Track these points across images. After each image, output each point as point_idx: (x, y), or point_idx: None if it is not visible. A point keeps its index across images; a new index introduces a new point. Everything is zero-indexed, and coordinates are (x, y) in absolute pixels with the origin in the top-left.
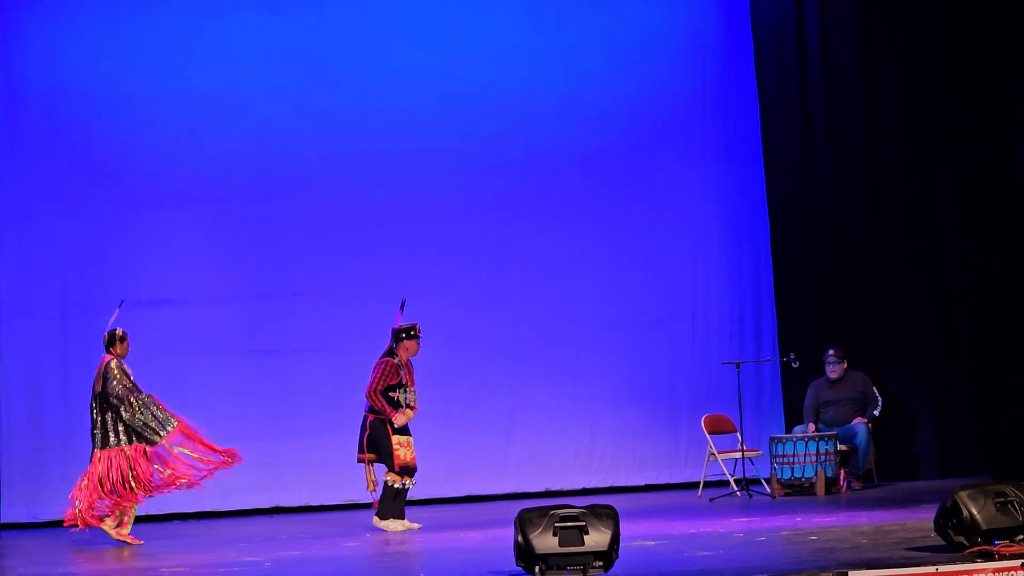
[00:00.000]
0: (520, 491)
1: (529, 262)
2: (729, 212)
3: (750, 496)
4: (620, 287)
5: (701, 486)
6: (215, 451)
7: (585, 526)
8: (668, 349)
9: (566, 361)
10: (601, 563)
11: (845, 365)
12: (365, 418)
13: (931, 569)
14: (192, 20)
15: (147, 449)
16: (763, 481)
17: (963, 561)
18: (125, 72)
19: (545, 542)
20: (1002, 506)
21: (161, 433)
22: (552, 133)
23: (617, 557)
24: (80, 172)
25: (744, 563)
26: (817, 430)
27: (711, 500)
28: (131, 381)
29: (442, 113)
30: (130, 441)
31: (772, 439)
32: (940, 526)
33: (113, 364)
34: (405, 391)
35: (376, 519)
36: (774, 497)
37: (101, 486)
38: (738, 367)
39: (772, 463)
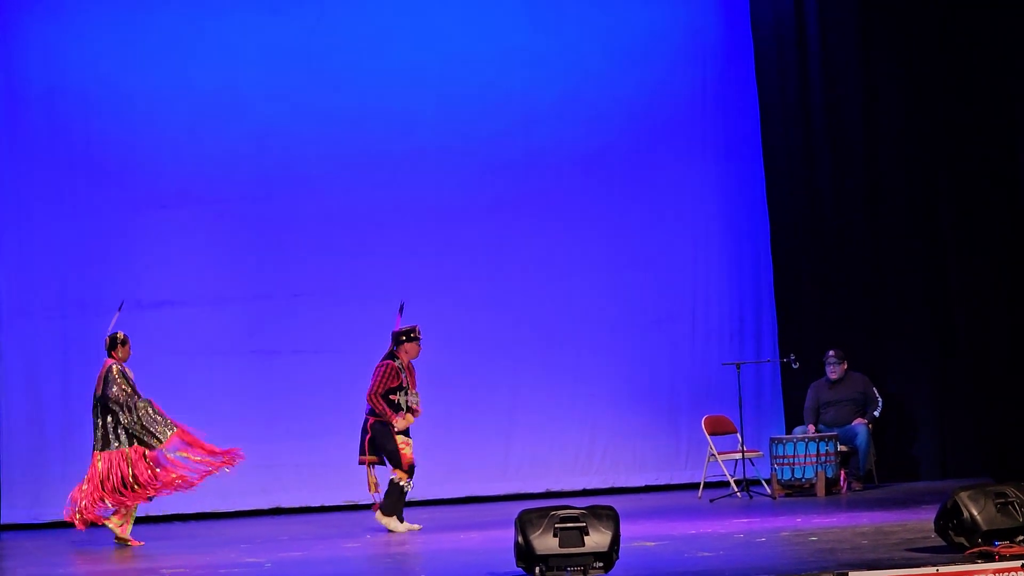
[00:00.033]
0: (520, 492)
1: (529, 262)
2: (729, 212)
3: (750, 497)
4: (620, 287)
5: (701, 487)
6: (216, 454)
7: (585, 527)
8: (668, 349)
9: (566, 361)
10: (601, 564)
11: (845, 366)
12: (366, 421)
13: (931, 570)
14: (192, 20)
15: (146, 452)
16: (763, 482)
17: (963, 562)
18: (125, 72)
19: (545, 543)
20: (1002, 507)
21: (160, 438)
22: (552, 133)
23: (617, 558)
24: (80, 172)
25: (744, 564)
26: (817, 431)
27: (711, 501)
28: (131, 386)
29: (442, 113)
30: (130, 443)
31: (772, 440)
32: (940, 527)
33: (114, 369)
34: (406, 394)
35: (379, 515)
36: (774, 498)
37: (103, 486)
38: (738, 368)
39: (772, 464)
